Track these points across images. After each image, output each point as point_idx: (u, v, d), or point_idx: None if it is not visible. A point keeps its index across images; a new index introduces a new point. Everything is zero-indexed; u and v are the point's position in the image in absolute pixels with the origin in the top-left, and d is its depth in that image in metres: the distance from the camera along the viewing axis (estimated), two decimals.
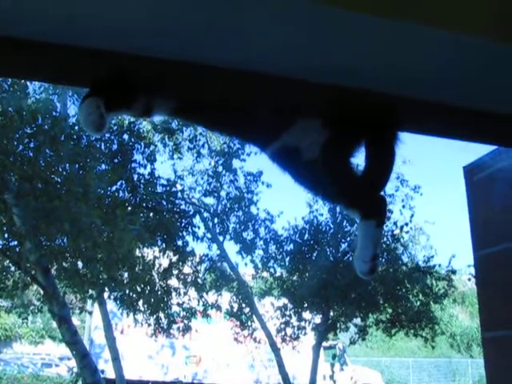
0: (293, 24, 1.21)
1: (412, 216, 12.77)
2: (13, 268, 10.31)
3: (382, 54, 1.32)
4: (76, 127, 9.84)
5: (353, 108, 1.49)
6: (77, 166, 9.77)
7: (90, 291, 10.81)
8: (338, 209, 13.56)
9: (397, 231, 12.82)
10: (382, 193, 1.65)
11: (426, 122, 1.59)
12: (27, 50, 1.29)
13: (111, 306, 12.93)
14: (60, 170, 9.50)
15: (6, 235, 9.70)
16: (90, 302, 12.53)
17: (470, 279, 13.58)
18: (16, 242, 9.83)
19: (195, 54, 1.34)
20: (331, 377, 12.75)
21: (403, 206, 12.77)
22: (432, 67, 1.37)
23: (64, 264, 10.24)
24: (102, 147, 10.85)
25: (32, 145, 9.14)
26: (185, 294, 12.36)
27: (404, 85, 1.45)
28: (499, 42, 1.24)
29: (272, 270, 13.17)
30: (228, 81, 1.41)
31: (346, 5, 1.12)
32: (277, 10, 1.16)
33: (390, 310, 12.87)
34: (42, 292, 10.26)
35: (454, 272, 12.70)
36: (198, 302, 12.56)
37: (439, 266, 12.76)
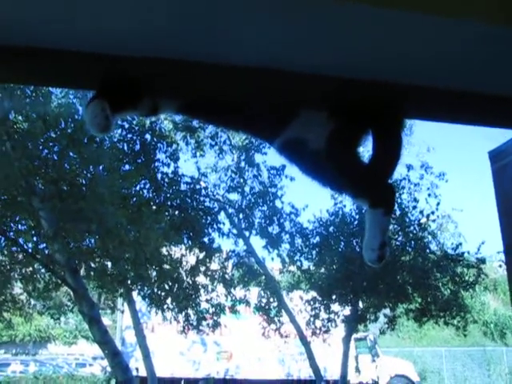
0: (295, 18, 1.21)
1: (438, 204, 12.62)
2: (43, 270, 10.47)
3: (386, 44, 1.31)
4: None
5: (358, 98, 1.49)
6: (100, 167, 9.87)
7: (119, 290, 10.93)
8: None
9: (423, 220, 12.69)
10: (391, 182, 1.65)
11: (434, 108, 1.58)
12: (27, 57, 1.32)
13: (140, 305, 13.06)
14: (84, 172, 9.61)
15: (34, 238, 9.86)
16: (120, 301, 12.66)
17: (500, 266, 13.39)
18: (44, 245, 9.97)
19: (196, 52, 1.36)
20: (356, 368, 12.69)
21: (429, 195, 12.62)
22: (438, 54, 1.35)
23: (92, 264, 10.38)
24: (125, 148, 10.96)
25: (56, 148, 9.26)
26: (213, 290, 12.43)
27: (409, 73, 1.44)
28: (506, 25, 1.23)
29: (299, 263, 13.16)
30: (232, 77, 1.43)
31: None
32: (278, 5, 1.16)
33: (419, 300, 12.76)
34: (71, 293, 10.41)
35: (483, 260, 12.53)
36: (227, 297, 12.61)
37: (468, 253, 12.60)
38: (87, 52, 1.33)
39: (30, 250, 10.04)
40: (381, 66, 1.41)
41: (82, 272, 10.30)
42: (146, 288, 11.23)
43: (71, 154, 9.40)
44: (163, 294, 11.47)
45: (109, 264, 10.39)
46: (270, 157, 12.83)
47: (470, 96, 1.53)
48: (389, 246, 1.50)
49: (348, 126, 1.53)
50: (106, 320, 12.97)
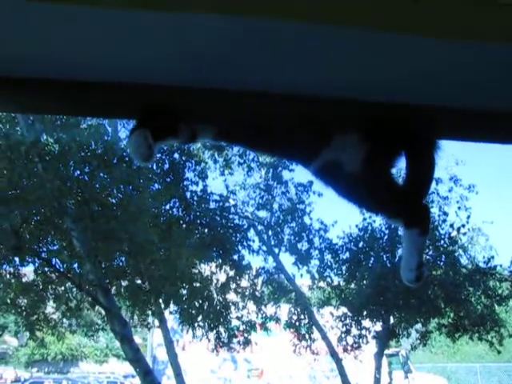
0: (323, 44, 1.25)
1: (469, 217, 12.52)
2: (75, 289, 10.60)
3: (415, 67, 1.35)
4: (128, 150, 10.11)
5: (390, 120, 1.52)
6: (130, 187, 10.02)
7: (151, 308, 11.02)
8: None
9: (454, 233, 12.58)
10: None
11: (465, 128, 1.60)
12: (28, 87, 1.37)
13: (172, 323, 13.13)
14: (115, 192, 9.75)
15: (66, 258, 10.01)
16: (151, 319, 12.74)
17: None
18: (76, 264, 10.12)
19: (232, 80, 1.40)
20: None
21: (459, 208, 12.53)
22: (467, 75, 1.38)
23: (123, 283, 10.49)
24: (154, 167, 11.09)
25: (87, 169, 9.43)
26: (243, 307, 12.44)
27: (440, 95, 1.47)
28: None
29: (329, 279, 13.10)
30: (265, 103, 1.47)
31: (375, 25, 1.16)
32: (305, 32, 1.21)
33: (451, 314, 12.60)
34: (103, 312, 10.52)
35: None
36: (257, 314, 12.61)
37: (501, 266, 12.45)
38: (126, 82, 1.38)
39: (62, 270, 10.19)
40: (411, 88, 1.44)
41: (114, 291, 10.41)
42: (177, 306, 11.29)
43: (102, 174, 9.55)
44: (194, 311, 11.53)
45: (140, 282, 10.49)
46: (298, 173, 12.90)
47: (503, 116, 1.56)
48: (426, 266, 1.53)
49: (381, 147, 1.56)
50: (137, 338, 13.07)
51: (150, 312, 11.37)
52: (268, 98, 1.45)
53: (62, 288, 10.57)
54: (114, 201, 9.66)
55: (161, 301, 10.80)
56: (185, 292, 11.22)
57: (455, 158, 14.07)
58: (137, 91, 1.41)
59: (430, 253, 12.63)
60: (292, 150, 1.69)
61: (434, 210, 12.66)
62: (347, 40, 1.23)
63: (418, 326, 12.96)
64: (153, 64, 1.34)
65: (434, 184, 12.58)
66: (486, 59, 1.31)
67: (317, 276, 13.11)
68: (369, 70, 1.36)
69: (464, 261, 12.88)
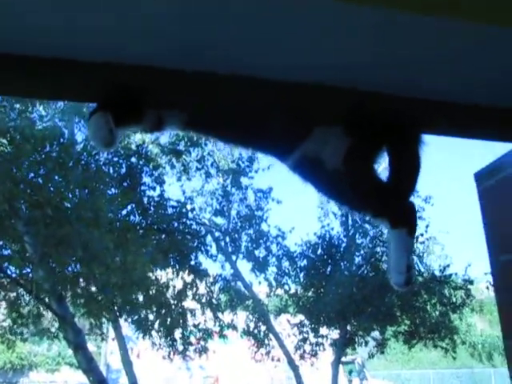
0: (303, 26, 1.16)
1: (427, 226, 12.70)
2: (27, 296, 10.27)
3: (399, 56, 1.27)
4: (84, 153, 9.89)
5: (372, 113, 1.44)
6: (86, 191, 9.77)
7: (106, 316, 10.76)
8: (349, 222, 13.52)
9: None
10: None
11: (450, 122, 1.53)
12: (28, 67, 1.25)
13: (126, 330, 12.86)
14: (70, 195, 9.48)
15: (18, 263, 9.67)
16: (105, 327, 12.46)
17: (488, 287, 13.41)
18: (28, 270, 9.80)
19: (203, 61, 1.30)
20: None
21: (419, 217, 12.65)
22: (453, 67, 1.32)
23: (78, 290, 10.21)
24: (111, 171, 10.86)
25: (41, 172, 9.14)
26: (202, 314, 12.29)
27: (423, 86, 1.40)
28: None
29: (286, 286, 13.08)
30: (239, 88, 1.37)
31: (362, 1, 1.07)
32: (286, 12, 1.12)
33: (407, 322, 12.72)
34: (56, 319, 10.23)
35: (471, 281, 12.58)
36: (214, 322, 12.46)
37: (455, 274, 12.64)
38: (85, 61, 1.26)
39: (13, 276, 9.85)
40: (394, 78, 1.37)
41: (68, 298, 10.13)
42: (133, 313, 11.06)
43: (56, 177, 9.28)
44: (150, 318, 11.32)
45: (95, 289, 10.23)
46: (257, 180, 12.86)
47: (486, 110, 1.50)
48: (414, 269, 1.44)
49: (364, 142, 1.47)
50: (90, 346, 12.74)
51: (104, 320, 11.09)
52: (243, 82, 1.34)
53: (14, 294, 10.21)
54: (68, 205, 9.36)
55: (116, 308, 10.54)
56: (141, 299, 10.99)
57: None
58: (98, 70, 1.28)
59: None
60: (268, 141, 1.56)
61: None
62: (332, 20, 1.14)
63: (375, 333, 13.02)
64: (116, 40, 1.22)
65: None
66: (481, 47, 1.24)
67: (274, 283, 13.06)
68: (349, 56, 1.27)
69: (420, 269, 13.01)
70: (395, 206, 1.47)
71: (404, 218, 1.44)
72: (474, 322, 23.43)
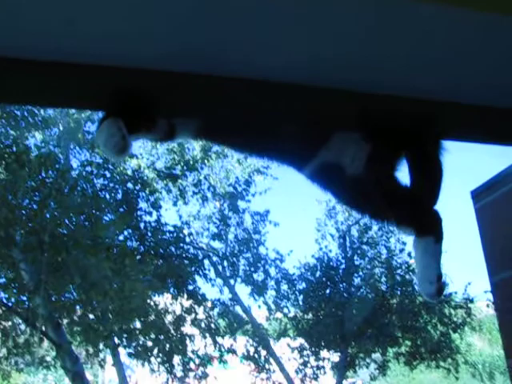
0: (320, 31, 1.12)
1: None
2: (23, 325, 10.12)
3: (419, 59, 1.24)
4: (80, 179, 9.86)
5: (392, 118, 1.39)
6: (82, 217, 9.71)
7: (104, 344, 10.60)
8: (347, 243, 13.47)
9: (411, 261, 12.66)
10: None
11: (473, 128, 1.49)
12: (31, 71, 1.19)
13: (124, 357, 12.68)
14: (66, 222, 9.41)
15: (14, 291, 9.55)
16: (103, 355, 12.29)
17: (488, 305, 13.33)
18: (25, 298, 9.67)
19: (216, 66, 1.24)
20: None
21: None
22: (477, 69, 1.28)
23: (75, 318, 10.08)
24: (107, 197, 10.81)
25: (37, 198, 9.08)
26: (200, 339, 12.15)
27: (446, 90, 1.36)
28: None
29: (286, 309, 12.96)
30: (253, 93, 1.31)
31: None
32: (304, 14, 1.08)
33: (408, 343, 12.60)
34: (53, 348, 10.08)
35: (471, 300, 12.51)
36: (214, 347, 12.31)
37: (455, 293, 12.56)
38: (90, 64, 1.20)
39: (9, 304, 9.72)
40: (414, 81, 1.32)
41: (65, 326, 9.99)
42: (131, 341, 10.91)
43: (52, 203, 9.21)
44: (149, 345, 11.17)
45: (92, 316, 10.09)
46: (254, 204, 12.82)
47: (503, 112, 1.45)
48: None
49: (384, 148, 1.42)
50: (87, 375, 12.55)
51: (102, 347, 10.93)
52: (258, 87, 1.29)
53: (9, 323, 10.06)
54: (65, 231, 9.27)
55: (114, 335, 10.40)
56: (139, 325, 10.85)
57: None
58: (105, 75, 1.22)
59: (387, 282, 12.73)
60: (284, 149, 1.51)
61: (392, 240, 12.82)
62: (350, 24, 1.10)
63: (376, 355, 12.89)
64: (123, 43, 1.17)
65: None
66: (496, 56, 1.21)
67: (273, 307, 12.94)
68: (365, 56, 1.23)
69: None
70: (421, 213, 1.42)
71: (430, 226, 1.39)
72: (474, 342, 23.23)
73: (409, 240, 12.52)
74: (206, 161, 12.43)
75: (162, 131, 1.40)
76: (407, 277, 12.71)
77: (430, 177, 1.45)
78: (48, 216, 9.09)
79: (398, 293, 12.61)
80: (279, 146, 1.49)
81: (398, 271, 12.71)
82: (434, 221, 1.41)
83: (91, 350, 11.10)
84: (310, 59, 1.24)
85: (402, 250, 12.76)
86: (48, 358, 11.30)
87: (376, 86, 1.31)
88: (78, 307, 9.90)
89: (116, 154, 1.26)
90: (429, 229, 1.38)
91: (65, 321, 9.96)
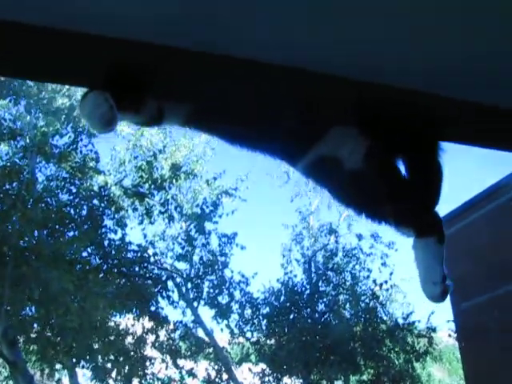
0: (322, 15, 1.08)
1: (391, 273, 12.72)
2: None
3: (422, 51, 1.20)
4: (45, 193, 9.68)
5: (392, 112, 1.34)
6: (45, 231, 9.51)
7: (62, 363, 10.30)
8: (312, 269, 13.44)
9: (376, 288, 12.70)
10: None
11: (475, 129, 1.44)
12: (16, 36, 1.08)
13: (81, 379, 12.33)
14: (28, 235, 9.18)
15: None
16: (59, 375, 11.92)
17: (450, 335, 13.43)
18: None
19: (210, 43, 1.15)
20: None
21: (382, 264, 12.72)
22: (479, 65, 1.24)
23: (32, 335, 9.79)
24: (72, 212, 10.60)
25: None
26: (160, 362, 11.90)
27: (447, 85, 1.31)
28: None
29: (249, 334, 12.81)
30: (249, 75, 1.23)
31: None
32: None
33: (371, 371, 12.55)
34: (6, 367, 9.75)
35: (434, 329, 12.56)
36: (174, 370, 12.06)
37: (419, 322, 12.62)
38: (76, 32, 1.08)
39: None
40: (414, 71, 1.27)
41: (21, 343, 9.68)
42: (90, 360, 10.61)
43: (15, 215, 8.99)
44: (109, 365, 10.87)
45: (50, 334, 9.81)
46: (221, 225, 12.72)
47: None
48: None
49: (384, 143, 1.37)
50: None
51: (59, 367, 10.61)
52: (255, 69, 1.21)
53: None
54: (26, 245, 9.05)
55: (72, 355, 10.11)
56: (98, 345, 10.58)
57: None
58: (93, 44, 1.11)
59: (351, 309, 12.73)
60: (279, 140, 1.43)
61: (357, 267, 12.86)
62: (355, 6, 1.06)
63: (339, 382, 12.80)
64: (118, 9, 1.06)
65: (356, 240, 12.82)
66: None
67: (236, 331, 12.78)
68: (368, 44, 1.18)
69: (383, 317, 12.97)
70: (421, 212, 1.38)
71: (432, 226, 1.35)
72: (433, 372, 23.29)
73: (374, 267, 12.60)
74: (174, 180, 12.31)
75: (149, 114, 1.30)
76: (371, 304, 12.71)
77: (429, 177, 1.40)
78: (10, 228, 8.87)
79: (362, 320, 12.59)
80: (273, 136, 1.42)
81: (363, 298, 12.70)
82: (435, 221, 1.37)
83: (47, 370, 10.77)
84: (309, 41, 1.17)
85: (367, 277, 12.79)
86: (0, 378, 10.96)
87: (376, 74, 1.26)
88: (35, 324, 9.62)
89: (102, 127, 1.16)
90: (430, 229, 1.34)
91: (21, 338, 9.65)
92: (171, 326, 12.26)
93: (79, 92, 11.38)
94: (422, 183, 1.40)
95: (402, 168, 1.40)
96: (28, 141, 10.11)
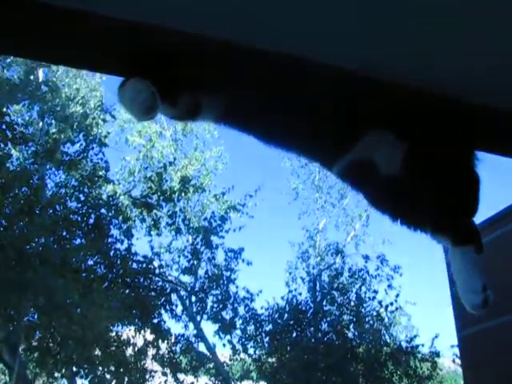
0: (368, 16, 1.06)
1: (397, 295, 12.62)
2: None
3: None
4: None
5: (429, 118, 1.31)
6: (52, 238, 9.49)
7: (62, 371, 10.21)
8: (317, 288, 13.37)
9: (381, 310, 12.60)
10: None
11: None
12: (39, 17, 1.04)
13: None
14: (35, 240, 9.15)
15: None
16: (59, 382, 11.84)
17: (454, 360, 13.26)
18: None
19: (250, 35, 1.12)
20: None
21: (389, 286, 12.64)
22: None
23: (33, 342, 9.73)
24: (79, 220, 10.59)
25: (7, 212, 8.84)
26: (161, 375, 11.81)
27: (487, 93, 1.27)
28: None
29: (251, 350, 12.71)
30: (287, 70, 1.20)
31: None
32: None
33: None
34: (6, 372, 9.69)
35: (437, 353, 12.43)
36: None
37: (422, 346, 12.49)
38: (108, 16, 1.04)
39: None
40: (455, 77, 1.24)
41: (22, 349, 9.62)
42: (90, 370, 10.52)
43: (22, 221, 8.98)
44: (109, 376, 10.79)
45: (51, 341, 9.74)
46: (227, 240, 12.69)
47: None
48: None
49: (422, 148, 1.33)
50: None
51: (58, 375, 10.53)
52: (298, 66, 1.18)
53: None
54: (32, 250, 9.01)
55: (72, 364, 10.04)
56: (99, 356, 10.49)
57: (382, 237, 14.32)
58: (125, 31, 1.07)
59: (355, 329, 12.63)
60: (316, 140, 1.39)
61: (363, 288, 12.79)
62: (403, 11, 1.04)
63: None
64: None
65: (363, 261, 12.78)
66: None
67: (238, 347, 12.68)
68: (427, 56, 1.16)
69: (387, 339, 12.86)
70: (459, 221, 1.34)
71: (470, 235, 1.31)
72: None
73: (379, 288, 12.50)
74: (183, 193, 12.31)
75: (185, 108, 1.27)
76: (375, 326, 12.61)
77: (467, 185, 1.36)
78: (17, 232, 8.85)
79: (366, 341, 12.47)
80: (310, 136, 1.38)
81: (367, 319, 12.60)
82: (473, 230, 1.33)
83: (46, 378, 10.70)
84: (358, 43, 1.14)
85: (372, 299, 12.69)
86: None
87: (415, 80, 1.22)
88: (37, 331, 9.56)
89: (143, 113, 1.12)
90: (469, 238, 1.30)
91: (22, 345, 9.58)
92: (173, 340, 12.19)
93: (92, 101, 11.49)
94: (461, 192, 1.36)
95: (440, 175, 1.37)
96: (39, 147, 10.14)
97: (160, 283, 12.26)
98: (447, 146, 1.35)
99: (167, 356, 12.04)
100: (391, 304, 12.52)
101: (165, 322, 11.85)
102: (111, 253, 11.19)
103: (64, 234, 9.62)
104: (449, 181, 1.34)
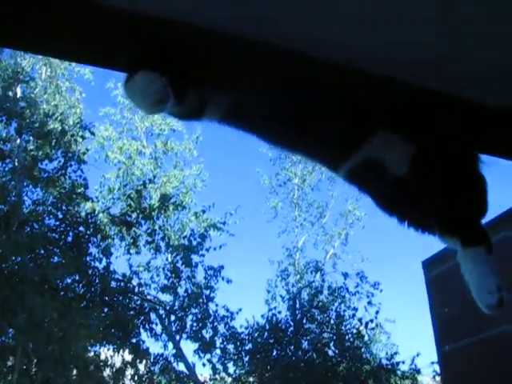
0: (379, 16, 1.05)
1: (377, 312, 12.62)
2: None
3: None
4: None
5: (438, 121, 1.30)
6: (29, 256, 9.32)
7: None
8: (297, 306, 13.33)
9: (361, 327, 12.59)
10: None
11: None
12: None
13: None
14: (12, 258, 8.99)
15: None
16: None
17: (434, 377, 13.28)
18: None
19: (259, 32, 1.09)
20: None
21: (368, 303, 12.64)
22: None
23: (9, 363, 9.51)
24: (57, 238, 10.44)
25: None
26: None
27: (493, 96, 1.27)
28: None
29: (231, 369, 12.60)
30: (295, 70, 1.18)
31: None
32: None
33: None
34: None
35: (418, 371, 12.43)
36: None
37: (403, 363, 12.48)
38: (111, 7, 1.00)
39: None
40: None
41: None
42: None
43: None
44: None
45: (27, 362, 9.52)
46: (208, 258, 12.60)
47: None
48: None
49: (432, 149, 1.33)
50: None
51: None
52: (307, 65, 1.17)
53: None
54: (9, 268, 8.84)
55: None
56: (77, 376, 10.27)
57: (361, 255, 14.34)
58: (131, 22, 1.04)
59: (335, 347, 12.60)
60: (323, 141, 1.37)
61: (342, 306, 12.78)
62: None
63: None
64: None
65: (342, 278, 12.79)
66: None
67: (218, 366, 12.54)
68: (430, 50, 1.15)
69: (367, 357, 12.84)
70: (469, 223, 1.33)
71: (481, 236, 1.30)
72: None
73: (359, 305, 12.51)
74: (162, 211, 12.23)
75: (191, 106, 1.23)
76: (356, 343, 12.59)
77: (476, 187, 1.36)
78: None
79: (346, 359, 12.43)
80: (316, 138, 1.36)
81: (347, 337, 12.58)
82: (483, 231, 1.32)
83: None
84: (367, 42, 1.13)
85: (352, 316, 12.68)
86: None
87: (425, 81, 1.21)
88: (15, 350, 9.34)
89: (155, 105, 1.06)
90: (479, 239, 1.29)
91: None
92: (151, 359, 12.02)
93: (71, 117, 11.39)
94: (469, 193, 1.35)
95: (448, 177, 1.36)
96: (17, 163, 10.01)
97: (139, 302, 12.12)
98: (454, 148, 1.35)
99: (146, 376, 11.87)
100: (371, 321, 12.53)
101: (144, 342, 11.69)
102: (90, 271, 11.04)
103: (42, 252, 9.46)
104: (457, 182, 1.34)
